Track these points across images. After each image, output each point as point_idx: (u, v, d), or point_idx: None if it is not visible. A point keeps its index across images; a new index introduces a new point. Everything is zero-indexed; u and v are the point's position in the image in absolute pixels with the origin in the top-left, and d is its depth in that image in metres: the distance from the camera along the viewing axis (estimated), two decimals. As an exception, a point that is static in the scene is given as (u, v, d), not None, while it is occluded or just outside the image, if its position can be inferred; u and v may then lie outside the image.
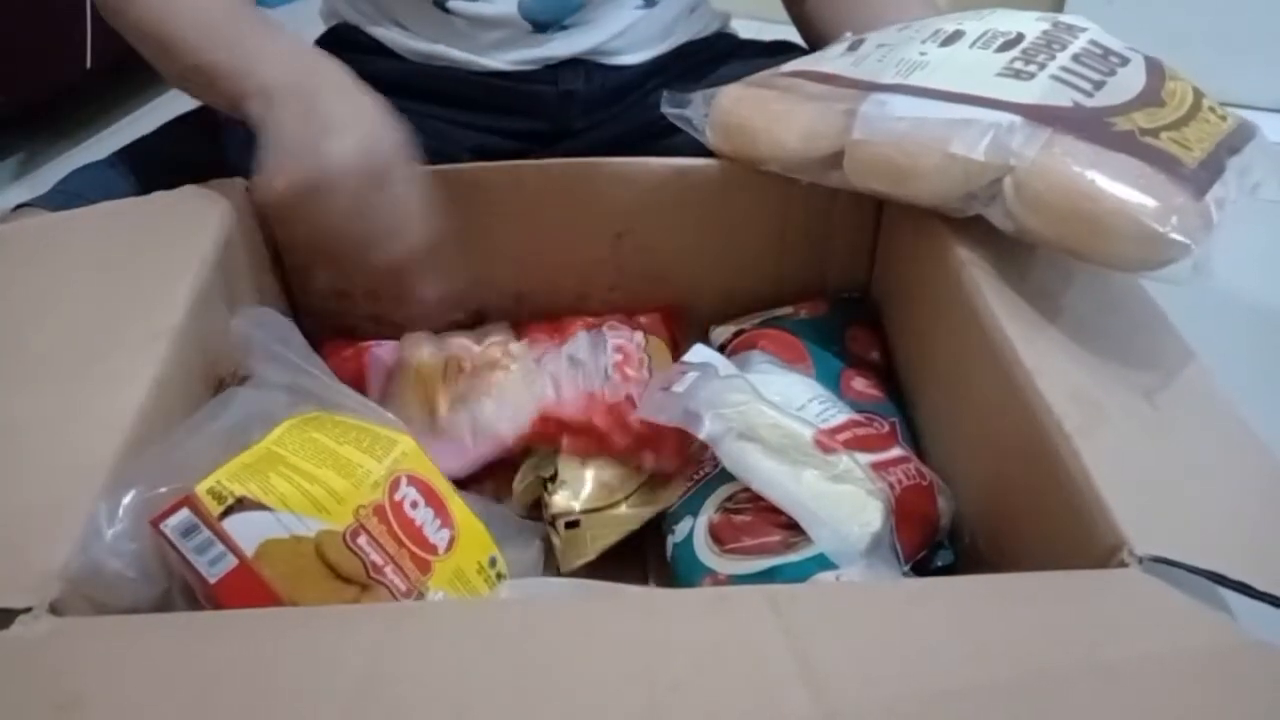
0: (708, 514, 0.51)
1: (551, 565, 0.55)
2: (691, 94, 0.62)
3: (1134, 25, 0.73)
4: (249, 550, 0.39)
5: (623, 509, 0.55)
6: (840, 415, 0.53)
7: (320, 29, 0.77)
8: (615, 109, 0.73)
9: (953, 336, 0.51)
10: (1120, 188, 0.43)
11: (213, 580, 0.39)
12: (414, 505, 0.46)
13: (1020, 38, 0.51)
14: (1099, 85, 0.48)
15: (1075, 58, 0.49)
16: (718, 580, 0.48)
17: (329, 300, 0.63)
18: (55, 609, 0.33)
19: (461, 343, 0.61)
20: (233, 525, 0.39)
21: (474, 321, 0.65)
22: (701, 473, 0.54)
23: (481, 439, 0.57)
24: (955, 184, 0.49)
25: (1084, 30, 0.52)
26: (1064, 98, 0.47)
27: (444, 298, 0.57)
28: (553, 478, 0.56)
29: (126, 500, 0.38)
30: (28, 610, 0.33)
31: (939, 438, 0.56)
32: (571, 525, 0.55)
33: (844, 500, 0.48)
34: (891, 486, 0.49)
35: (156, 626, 0.35)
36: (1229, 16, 1.55)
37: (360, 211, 0.51)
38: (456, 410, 0.58)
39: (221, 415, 0.44)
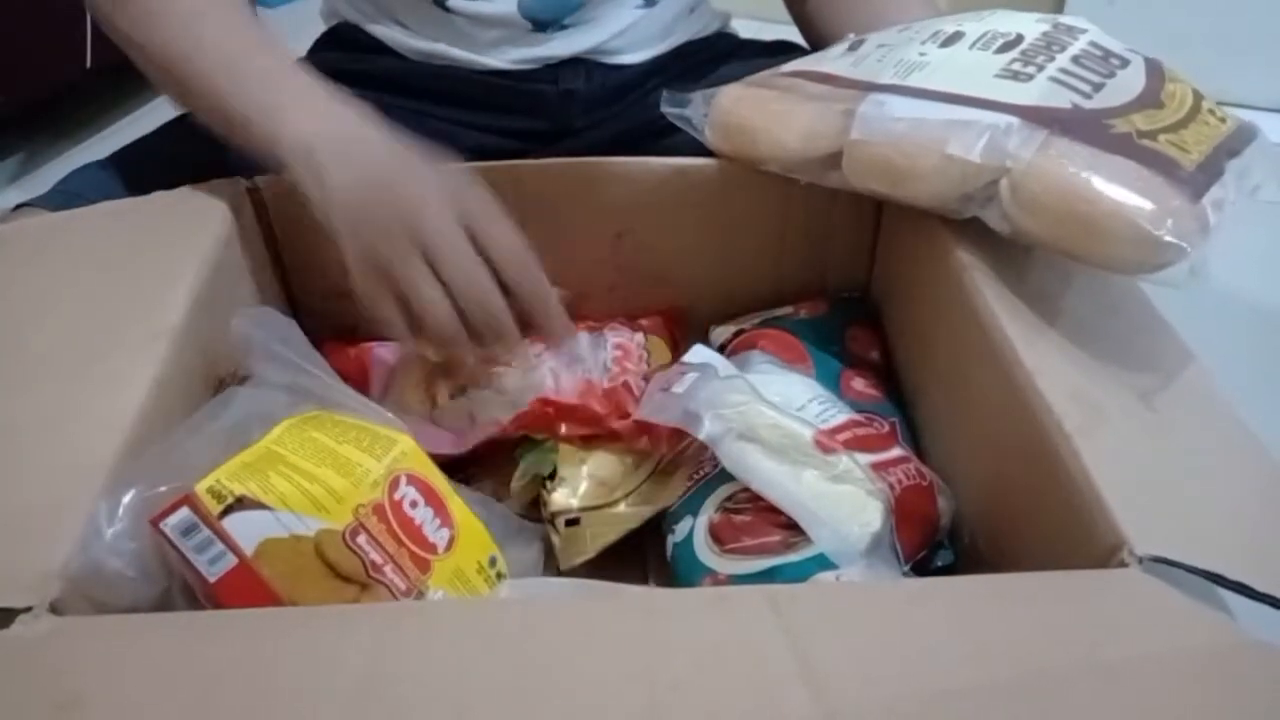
0: (708, 514, 0.51)
1: (551, 564, 0.55)
2: (691, 94, 0.62)
3: (1134, 26, 0.73)
4: (249, 549, 0.39)
5: (622, 507, 0.56)
6: (840, 415, 0.53)
7: (320, 29, 0.77)
8: (615, 108, 0.73)
9: (953, 336, 0.51)
10: (1116, 190, 0.43)
11: (212, 579, 0.39)
12: (413, 504, 0.46)
13: (1020, 39, 0.51)
14: (1098, 87, 0.48)
15: (1075, 59, 0.49)
16: (718, 580, 0.48)
17: (329, 300, 0.63)
18: (55, 608, 0.33)
19: None
20: (232, 524, 0.39)
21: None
22: (701, 473, 0.54)
23: (479, 425, 0.57)
24: (952, 185, 0.49)
25: (1084, 32, 0.51)
26: (1063, 99, 0.47)
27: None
28: (551, 476, 0.56)
29: (126, 499, 0.38)
30: (28, 610, 0.33)
31: (939, 438, 0.56)
32: (571, 523, 0.55)
33: (844, 500, 0.48)
34: (891, 486, 0.49)
35: (156, 626, 0.35)
36: (1229, 17, 1.55)
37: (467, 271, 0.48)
38: (456, 399, 0.58)
39: (221, 415, 0.44)
